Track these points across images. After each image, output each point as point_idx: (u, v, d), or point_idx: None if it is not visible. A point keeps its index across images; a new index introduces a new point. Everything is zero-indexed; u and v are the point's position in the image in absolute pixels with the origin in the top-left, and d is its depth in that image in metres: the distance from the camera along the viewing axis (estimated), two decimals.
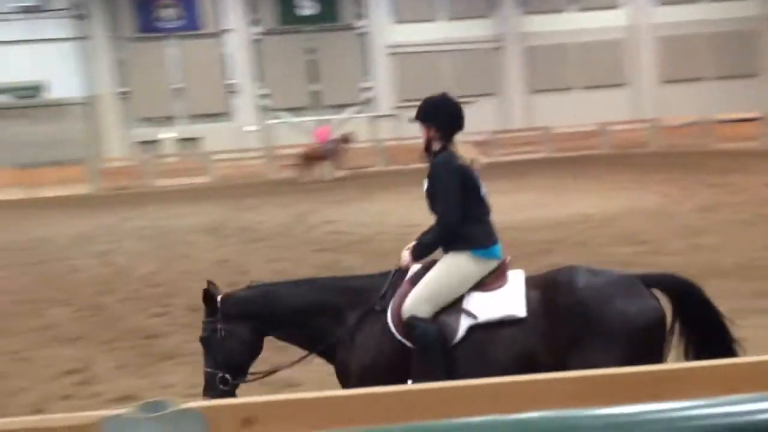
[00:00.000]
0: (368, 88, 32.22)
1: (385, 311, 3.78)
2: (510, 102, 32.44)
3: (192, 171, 27.89)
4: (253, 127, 31.19)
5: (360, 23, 31.82)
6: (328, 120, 31.80)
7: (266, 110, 31.83)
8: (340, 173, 24.26)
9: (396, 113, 31.67)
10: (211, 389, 3.83)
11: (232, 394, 3.84)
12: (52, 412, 5.28)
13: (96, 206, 21.46)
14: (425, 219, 4.00)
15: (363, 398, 1.40)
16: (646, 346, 3.45)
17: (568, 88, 32.27)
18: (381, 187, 20.85)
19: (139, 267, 11.37)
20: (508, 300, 3.65)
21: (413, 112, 3.99)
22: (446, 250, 3.87)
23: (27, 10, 29.69)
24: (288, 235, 13.57)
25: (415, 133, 4.17)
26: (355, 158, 25.71)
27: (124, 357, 6.81)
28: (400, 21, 31.92)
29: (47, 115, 30.38)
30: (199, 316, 3.93)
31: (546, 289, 3.66)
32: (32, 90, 29.27)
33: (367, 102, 32.34)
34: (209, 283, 4.04)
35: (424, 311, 3.66)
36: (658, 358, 3.50)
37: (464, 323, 3.65)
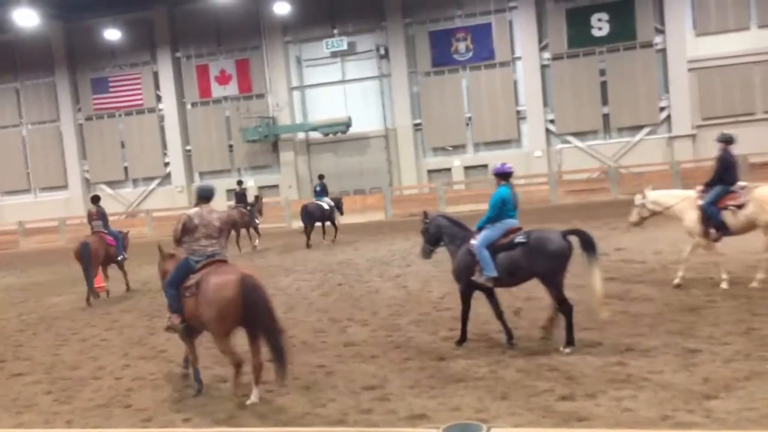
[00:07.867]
0: (663, 108, 30.25)
1: None
2: None
3: (479, 197, 28.54)
4: (540, 153, 31.08)
5: (657, 39, 29.99)
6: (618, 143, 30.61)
7: (554, 135, 31.50)
8: None
9: (695, 133, 29.38)
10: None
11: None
12: (353, 425, 5.70)
13: (391, 232, 22.96)
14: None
15: None
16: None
17: None
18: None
19: (429, 291, 11.88)
20: None
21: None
22: None
23: (339, 54, 33.10)
24: (577, 261, 13.16)
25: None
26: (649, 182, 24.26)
27: (416, 377, 7.12)
28: (703, 33, 29.38)
29: (351, 148, 33.46)
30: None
31: None
32: (341, 126, 32.45)
33: (661, 123, 30.39)
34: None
35: None
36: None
37: None
